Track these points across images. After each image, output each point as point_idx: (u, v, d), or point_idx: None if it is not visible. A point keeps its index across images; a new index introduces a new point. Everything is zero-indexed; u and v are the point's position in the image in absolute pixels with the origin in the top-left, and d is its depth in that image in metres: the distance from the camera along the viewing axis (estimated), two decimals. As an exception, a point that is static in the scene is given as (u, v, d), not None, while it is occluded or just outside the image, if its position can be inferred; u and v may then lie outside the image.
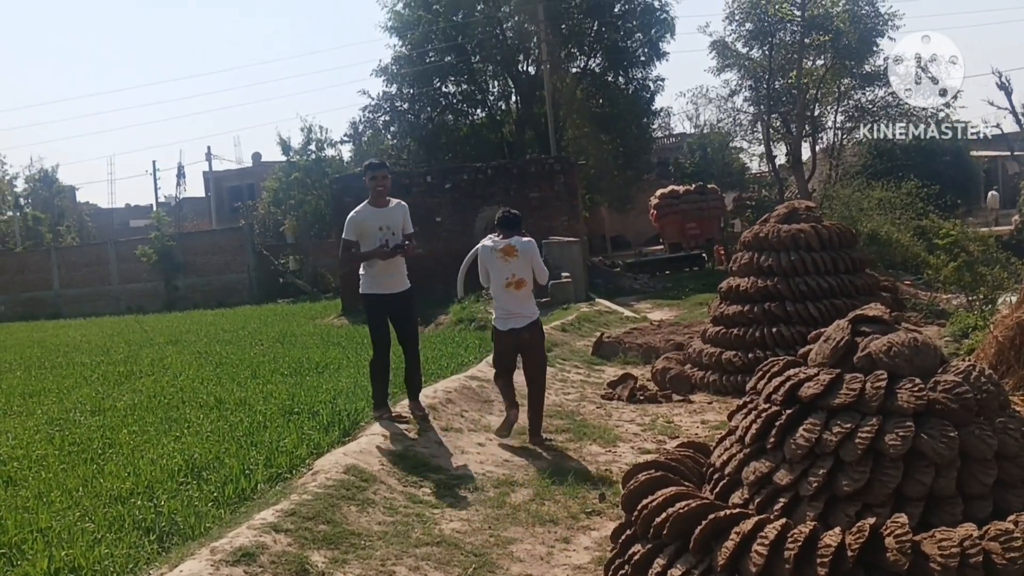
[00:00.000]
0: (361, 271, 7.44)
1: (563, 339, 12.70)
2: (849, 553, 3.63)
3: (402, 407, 7.66)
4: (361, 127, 32.46)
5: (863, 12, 27.14)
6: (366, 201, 7.50)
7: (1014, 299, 10.80)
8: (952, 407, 4.03)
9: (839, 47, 26.66)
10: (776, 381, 4.53)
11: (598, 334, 12.72)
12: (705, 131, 38.90)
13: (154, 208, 49.91)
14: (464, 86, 31.61)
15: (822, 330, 4.78)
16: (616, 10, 30.06)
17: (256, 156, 53.90)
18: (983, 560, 3.50)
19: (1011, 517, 3.72)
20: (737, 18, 28.48)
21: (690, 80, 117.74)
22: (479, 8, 30.18)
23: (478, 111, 32.20)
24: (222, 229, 38.21)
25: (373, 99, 31.65)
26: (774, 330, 9.43)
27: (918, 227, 21.97)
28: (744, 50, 29.36)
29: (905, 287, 17.49)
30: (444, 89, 31.45)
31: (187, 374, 11.49)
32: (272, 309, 25.39)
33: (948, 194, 25.69)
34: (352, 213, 7.45)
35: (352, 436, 6.80)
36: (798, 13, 24.85)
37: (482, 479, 6.28)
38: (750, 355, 9.36)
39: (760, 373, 4.80)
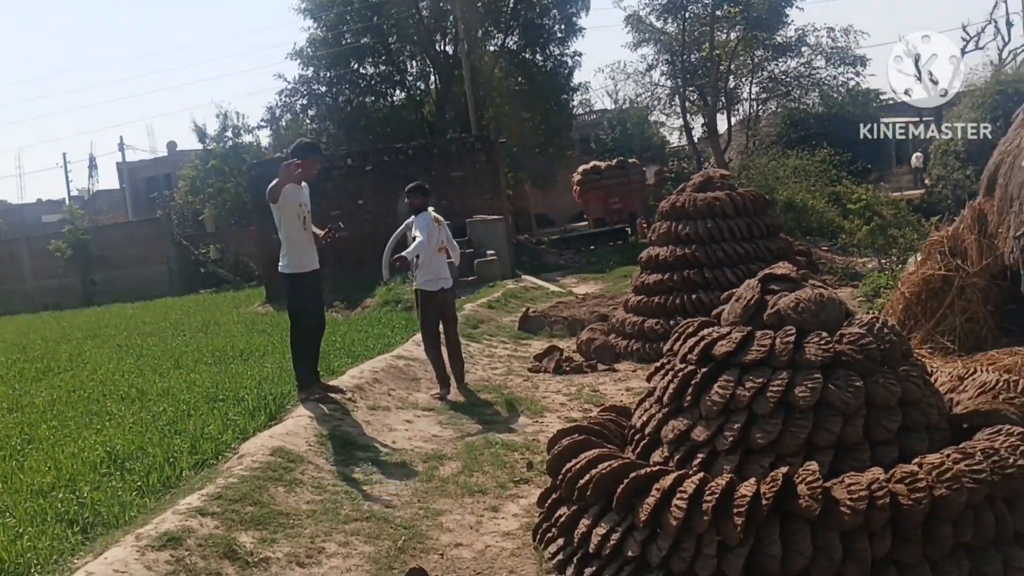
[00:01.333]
0: (283, 250, 7.32)
1: (489, 316, 12.75)
2: (763, 502, 3.77)
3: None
4: (279, 112, 31.93)
5: (772, -18, 27.66)
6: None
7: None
8: (857, 358, 4.20)
9: (750, 18, 27.09)
10: (691, 341, 4.66)
11: (524, 309, 12.80)
12: (624, 106, 39.17)
13: (66, 202, 48.47)
14: (382, 67, 31.29)
15: (734, 291, 4.91)
16: (531, -13, 30.09)
17: (172, 145, 52.63)
18: (890, 502, 3.68)
19: (915, 459, 3.91)
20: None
21: (609, 56, 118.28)
22: (394, -14, 29.92)
23: (397, 92, 31.93)
24: (139, 221, 37.33)
25: (290, 83, 31.20)
26: (694, 297, 9.63)
27: (832, 193, 22.51)
28: (659, 24, 29.65)
29: (822, 252, 17.96)
30: (362, 71, 31.08)
31: (107, 367, 11.24)
32: (194, 300, 24.93)
33: (860, 160, 26.34)
34: (274, 182, 7.15)
35: (278, 420, 6.76)
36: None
37: (411, 454, 6.31)
38: (671, 322, 9.50)
39: (676, 334, 4.92)
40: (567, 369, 9.31)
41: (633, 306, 10.22)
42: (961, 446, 4.02)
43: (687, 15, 27.93)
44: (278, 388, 7.87)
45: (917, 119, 39.06)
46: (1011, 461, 3.88)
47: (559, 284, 18.01)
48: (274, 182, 6.97)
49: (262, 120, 33.82)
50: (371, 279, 17.61)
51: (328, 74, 30.58)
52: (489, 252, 17.77)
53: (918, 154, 29.78)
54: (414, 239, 8.28)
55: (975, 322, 7.73)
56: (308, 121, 31.40)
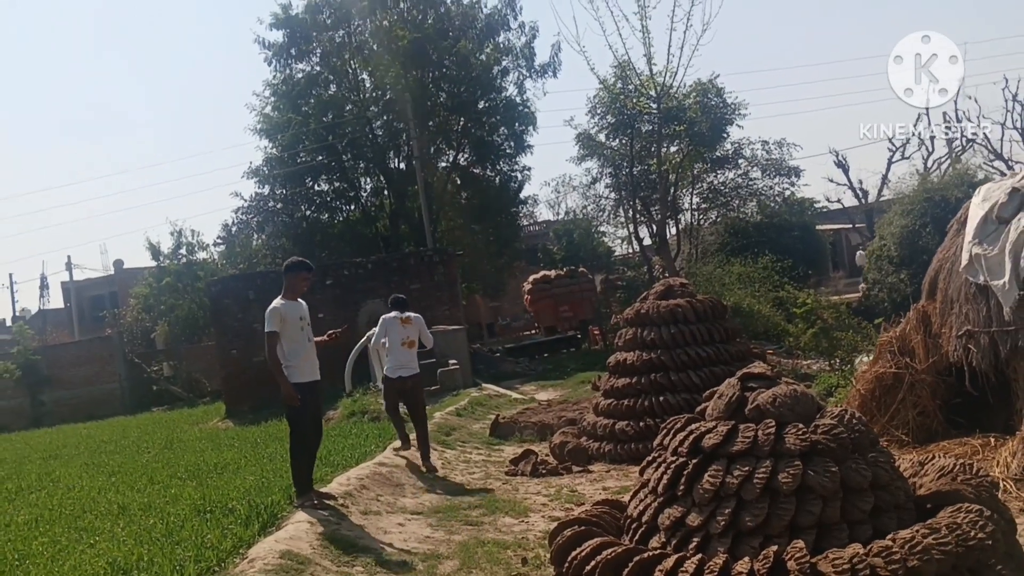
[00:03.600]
0: (286, 363, 7.74)
1: (459, 423, 13.09)
2: (758, 577, 4.19)
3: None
4: (234, 229, 32.41)
5: (712, 103, 29.17)
6: (281, 296, 7.87)
7: (868, 359, 11.89)
8: (832, 446, 4.71)
9: (693, 135, 28.52)
10: (680, 435, 5.12)
11: (492, 416, 13.17)
12: (568, 217, 40.38)
13: (9, 322, 47.79)
14: (336, 184, 32.06)
15: (715, 389, 5.40)
16: (480, 106, 31.28)
17: (118, 263, 52.52)
18: (870, 574, 4.13)
19: (889, 536, 4.38)
20: (599, 112, 30.17)
21: (555, 169, 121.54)
22: (348, 109, 30.92)
23: (352, 207, 32.65)
24: (89, 339, 36.96)
25: (246, 200, 31.79)
26: (661, 399, 10.12)
27: (776, 298, 23.35)
28: (608, 141, 31.01)
29: (768, 355, 18.64)
30: (317, 188, 31.85)
31: (81, 485, 11.28)
32: (149, 418, 24.73)
33: (800, 266, 27.45)
34: (275, 305, 7.78)
35: (276, 526, 6.99)
36: (654, 106, 26.57)
37: (409, 555, 6.59)
38: (641, 424, 10.02)
39: (665, 430, 5.38)
40: (543, 471, 9.67)
41: (603, 409, 10.67)
42: (928, 523, 4.49)
43: (634, 132, 29.27)
44: (267, 498, 8.08)
45: (850, 225, 40.94)
46: (973, 535, 4.36)
47: (520, 391, 18.40)
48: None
49: (218, 238, 34.27)
50: (333, 392, 17.85)
51: (283, 191, 31.27)
52: (452, 361, 18.16)
53: (861, 252, 31.09)
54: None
55: (926, 416, 8.34)
56: (264, 238, 31.86)
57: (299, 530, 6.68)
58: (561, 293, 29.59)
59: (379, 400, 14.82)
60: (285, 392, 7.68)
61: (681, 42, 24.62)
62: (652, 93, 26.36)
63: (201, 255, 35.16)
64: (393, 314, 10.39)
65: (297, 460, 7.70)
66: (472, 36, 31.02)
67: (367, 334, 10.45)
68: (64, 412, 29.32)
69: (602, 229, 38.65)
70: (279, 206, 31.67)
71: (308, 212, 31.80)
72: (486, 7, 31.71)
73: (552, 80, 52.07)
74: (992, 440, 7.72)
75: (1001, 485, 6.39)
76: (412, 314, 10.52)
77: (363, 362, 18.31)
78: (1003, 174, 32.22)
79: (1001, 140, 36.51)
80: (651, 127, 28.84)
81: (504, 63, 31.47)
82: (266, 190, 31.54)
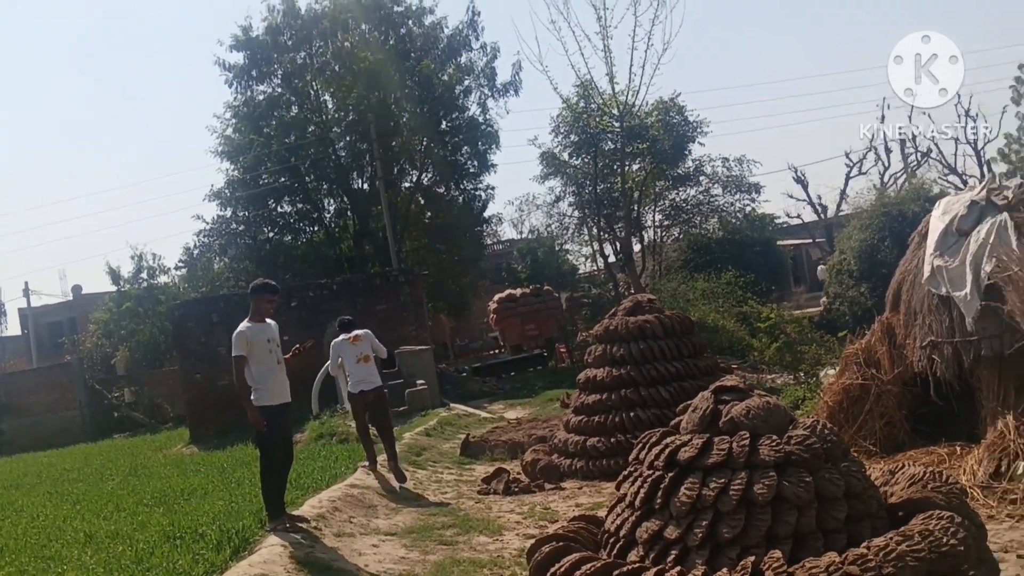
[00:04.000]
0: (255, 386, 7.67)
1: (429, 443, 13.05)
2: (737, 588, 4.23)
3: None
4: (196, 252, 32.13)
5: (674, 121, 29.46)
6: (248, 319, 7.81)
7: (832, 372, 12.05)
8: (805, 456, 4.77)
9: (656, 152, 28.77)
10: (656, 449, 5.16)
11: (462, 436, 13.15)
12: (531, 236, 40.48)
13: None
14: (300, 205, 31.92)
15: (689, 402, 5.46)
16: (443, 126, 31.34)
17: (76, 289, 51.77)
18: (846, 581, 4.18)
19: (864, 544, 4.44)
20: (562, 130, 30.34)
21: (519, 188, 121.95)
22: (310, 130, 30.83)
23: (315, 229, 32.49)
24: (48, 366, 36.35)
25: (208, 223, 31.53)
26: (631, 414, 10.18)
27: (740, 313, 23.58)
28: (571, 160, 31.18)
29: (734, 369, 18.79)
30: (280, 209, 31.66)
31: (45, 514, 11.08)
32: (111, 445, 24.35)
33: (762, 281, 27.75)
34: (240, 329, 7.72)
35: (249, 551, 6.93)
36: (617, 124, 26.78)
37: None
38: (612, 439, 10.06)
39: (640, 444, 5.41)
40: (516, 489, 9.67)
41: (574, 426, 10.70)
42: (901, 530, 4.55)
43: (597, 151, 29.46)
44: (237, 522, 8.00)
45: (811, 240, 41.48)
46: (945, 540, 4.44)
47: (488, 410, 18.39)
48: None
49: (179, 261, 33.94)
50: (299, 415, 17.67)
51: (246, 214, 31.05)
52: (419, 382, 18.12)
53: (822, 266, 31.51)
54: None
55: (892, 426, 8.46)
56: (227, 260, 31.60)
57: (272, 554, 6.63)
58: (527, 311, 29.64)
59: (347, 422, 14.77)
60: (252, 418, 7.62)
61: (643, 61, 24.88)
62: (615, 111, 26.57)
63: (162, 279, 34.83)
64: (341, 338, 10.89)
65: (268, 483, 7.63)
66: (434, 57, 31.10)
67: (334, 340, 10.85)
68: (23, 441, 28.75)
69: (566, 247, 38.80)
70: (241, 228, 31.44)
71: (271, 234, 31.62)
72: (447, 28, 31.86)
73: (515, 99, 52.31)
74: (958, 449, 7.85)
75: (969, 492, 6.50)
76: (359, 331, 10.95)
77: (330, 384, 18.20)
78: (957, 188, 32.90)
79: (955, 155, 37.24)
80: (614, 145, 29.05)
81: (466, 83, 31.57)
82: (228, 212, 31.30)
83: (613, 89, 26.21)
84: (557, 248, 38.77)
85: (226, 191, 30.57)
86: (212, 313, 22.33)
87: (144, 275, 34.28)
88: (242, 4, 40.56)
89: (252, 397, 7.66)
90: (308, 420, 17.26)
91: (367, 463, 10.69)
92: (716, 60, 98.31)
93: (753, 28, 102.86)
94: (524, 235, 41.84)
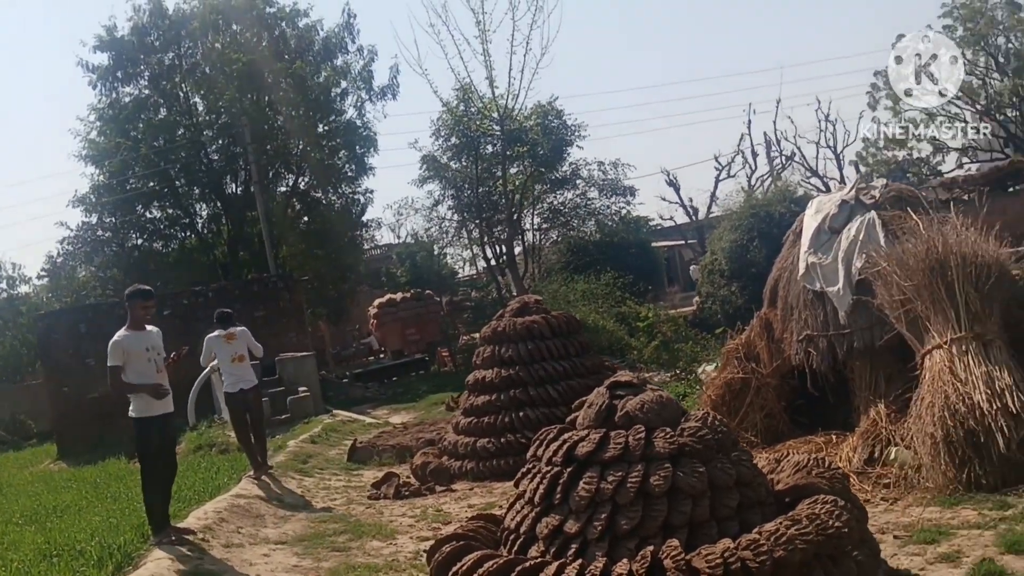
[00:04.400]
0: (134, 396, 7.39)
1: (315, 451, 12.82)
2: (638, 577, 4.34)
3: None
4: (60, 260, 30.62)
5: (553, 125, 29.80)
6: (125, 327, 7.53)
7: (711, 368, 12.46)
8: (698, 447, 4.93)
9: (535, 156, 29.06)
10: (554, 445, 5.23)
11: (348, 442, 12.97)
12: (410, 240, 40.27)
13: None
14: (170, 210, 30.74)
15: (585, 398, 5.55)
16: (320, 129, 30.79)
17: (-75, 302, 48.72)
18: (741, 566, 4.33)
19: (755, 529, 4.61)
20: (443, 134, 30.26)
21: (399, 192, 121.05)
22: (180, 133, 29.81)
23: (187, 235, 31.41)
24: None
25: (72, 230, 30.09)
26: (521, 414, 10.25)
27: (618, 313, 24.03)
28: (451, 163, 31.16)
29: (616, 368, 19.17)
30: (149, 215, 30.43)
31: (-99, 539, 10.40)
32: (-32, 464, 23.02)
33: (639, 282, 28.35)
34: (116, 338, 7.42)
35: (133, 566, 6.67)
36: (497, 128, 26.92)
37: (279, 586, 6.43)
38: (502, 440, 10.11)
39: (538, 441, 5.47)
40: (407, 493, 9.61)
41: (464, 427, 10.70)
42: (790, 515, 4.75)
43: (477, 154, 29.54)
44: (118, 537, 7.68)
45: (683, 241, 42.70)
46: (831, 523, 4.65)
47: (373, 416, 18.19)
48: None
49: (41, 270, 32.31)
50: (175, 426, 17.13)
51: (112, 220, 29.78)
52: (301, 389, 17.78)
53: (695, 267, 32.45)
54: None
55: (772, 417, 8.81)
56: (93, 268, 30.25)
57: (160, 567, 6.40)
58: (408, 316, 29.53)
59: (227, 432, 14.39)
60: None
61: (522, 65, 25.14)
62: (495, 115, 26.70)
63: (23, 289, 33.13)
64: (216, 333, 10.66)
65: (150, 496, 7.36)
66: (309, 59, 30.54)
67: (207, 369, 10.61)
68: None
69: (446, 251, 38.76)
70: (108, 235, 30.09)
71: (140, 240, 30.36)
72: (323, 30, 31.31)
73: (394, 103, 51.82)
74: (834, 437, 8.23)
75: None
76: (236, 328, 10.79)
77: (206, 395, 17.69)
78: (819, 190, 34.51)
79: (816, 158, 39.05)
80: (494, 148, 29.20)
81: (343, 85, 31.10)
82: (94, 219, 29.88)
83: (493, 93, 26.38)
84: (437, 252, 38.69)
85: (91, 196, 29.21)
86: (80, 323, 21.38)
87: (3, 285, 32.58)
88: (105, 4, 38.67)
89: (131, 407, 7.39)
90: (185, 431, 16.71)
91: (252, 472, 10.35)
92: (594, 65, 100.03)
93: (629, 34, 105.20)
94: (403, 239, 41.58)
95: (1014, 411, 6.42)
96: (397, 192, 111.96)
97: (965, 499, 6.32)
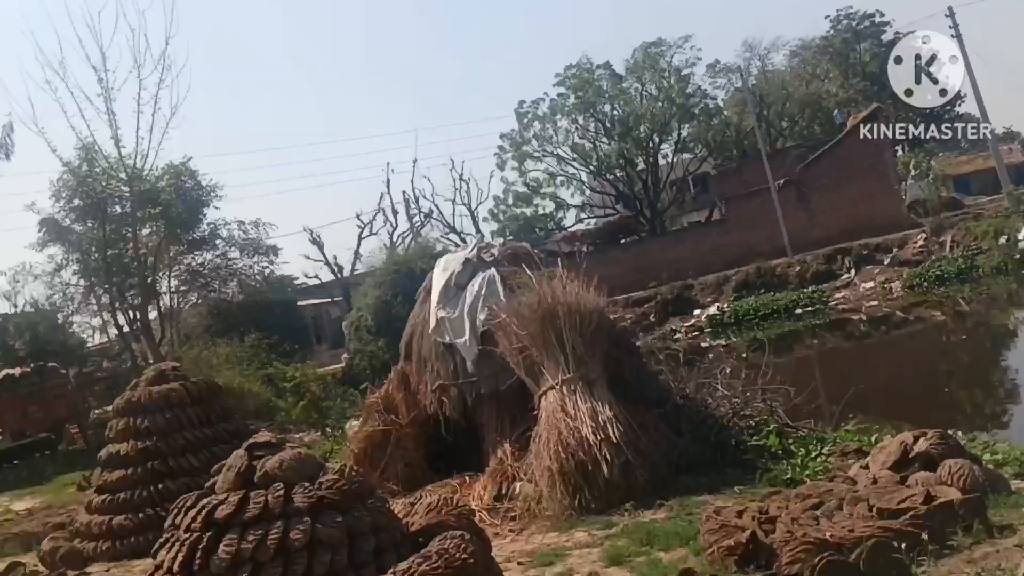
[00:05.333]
0: None
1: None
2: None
3: None
4: None
5: (188, 185, 28.95)
6: None
7: (357, 423, 12.81)
8: (335, 499, 5.21)
9: (169, 217, 28.01)
10: (192, 512, 5.25)
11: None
12: (30, 309, 36.89)
13: None
14: None
15: (223, 463, 5.61)
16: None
17: None
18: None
19: (390, 570, 4.95)
20: (65, 195, 28.13)
21: (14, 258, 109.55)
22: None
23: None
24: None
25: None
26: (160, 486, 9.84)
27: (265, 375, 23.74)
28: (75, 225, 29.07)
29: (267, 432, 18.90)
30: None
31: None
32: None
33: (285, 342, 28.18)
34: None
35: None
36: (126, 189, 25.71)
37: None
38: (141, 515, 9.63)
39: (176, 509, 5.44)
40: (33, 584, 8.88)
41: (98, 506, 10.07)
42: (422, 552, 5.15)
43: (105, 216, 27.85)
44: None
45: (330, 299, 43.04)
46: (457, 556, 5.11)
47: (-11, 506, 16.42)
48: None
49: None
50: None
51: None
52: (-101, 483, 15.65)
53: (345, 323, 32.83)
54: None
55: (412, 466, 9.30)
56: None
57: None
58: (29, 392, 26.97)
59: None
60: None
61: (150, 124, 24.28)
62: (123, 175, 25.47)
63: None
64: None
65: None
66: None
67: None
68: None
69: (72, 319, 35.92)
70: None
71: None
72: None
73: (8, 163, 47.21)
74: (467, 479, 8.87)
75: (478, 514, 7.41)
76: None
77: None
78: (457, 245, 36.52)
79: (453, 215, 41.27)
80: (123, 210, 27.77)
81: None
82: None
83: (120, 152, 25.20)
84: (62, 320, 35.73)
85: None
86: None
87: None
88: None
89: None
90: None
91: None
92: (230, 125, 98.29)
93: (267, 94, 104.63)
94: (20, 308, 37.91)
95: (615, 439, 7.36)
96: (12, 257, 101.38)
97: (579, 523, 7.13)
